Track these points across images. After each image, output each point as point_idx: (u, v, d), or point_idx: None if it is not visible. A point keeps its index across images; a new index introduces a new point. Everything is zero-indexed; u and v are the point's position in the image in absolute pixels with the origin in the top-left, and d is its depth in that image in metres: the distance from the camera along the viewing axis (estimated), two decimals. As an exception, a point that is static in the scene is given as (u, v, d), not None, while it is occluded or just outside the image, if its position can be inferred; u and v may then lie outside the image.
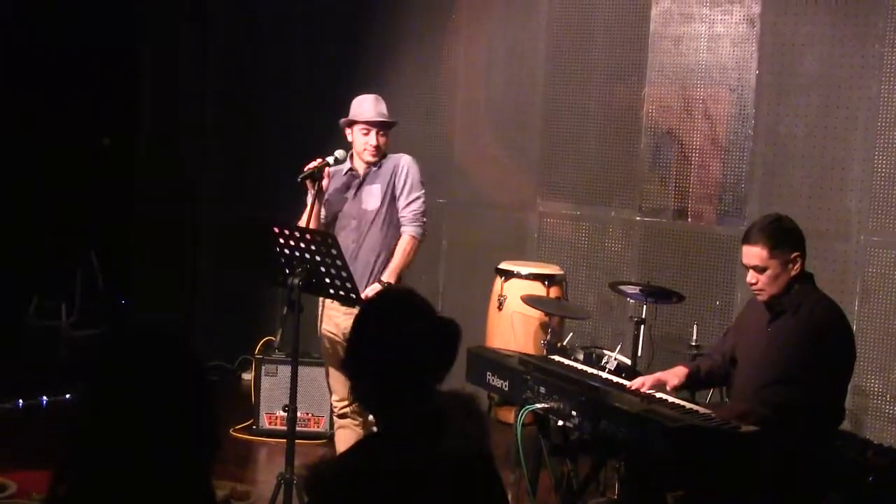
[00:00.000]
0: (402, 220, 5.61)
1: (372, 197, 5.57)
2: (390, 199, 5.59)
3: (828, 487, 4.64)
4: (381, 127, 5.56)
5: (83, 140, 9.18)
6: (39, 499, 5.23)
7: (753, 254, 4.51)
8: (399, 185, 5.60)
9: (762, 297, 4.57)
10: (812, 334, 4.43)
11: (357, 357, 2.80)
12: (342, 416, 5.63)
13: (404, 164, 5.63)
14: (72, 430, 2.10)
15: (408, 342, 2.75)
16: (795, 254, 4.50)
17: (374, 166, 5.59)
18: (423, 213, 5.66)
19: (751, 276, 4.55)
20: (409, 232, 5.60)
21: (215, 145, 8.92)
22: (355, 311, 5.12)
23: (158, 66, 8.76)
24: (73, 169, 9.10)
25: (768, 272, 4.49)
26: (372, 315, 2.87)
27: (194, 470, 2.13)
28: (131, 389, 2.08)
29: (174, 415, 2.09)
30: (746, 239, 4.57)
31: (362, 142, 5.56)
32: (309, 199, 5.39)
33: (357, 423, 5.56)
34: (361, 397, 2.82)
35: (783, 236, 4.51)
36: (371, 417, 5.53)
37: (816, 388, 4.41)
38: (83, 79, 8.91)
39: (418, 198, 5.63)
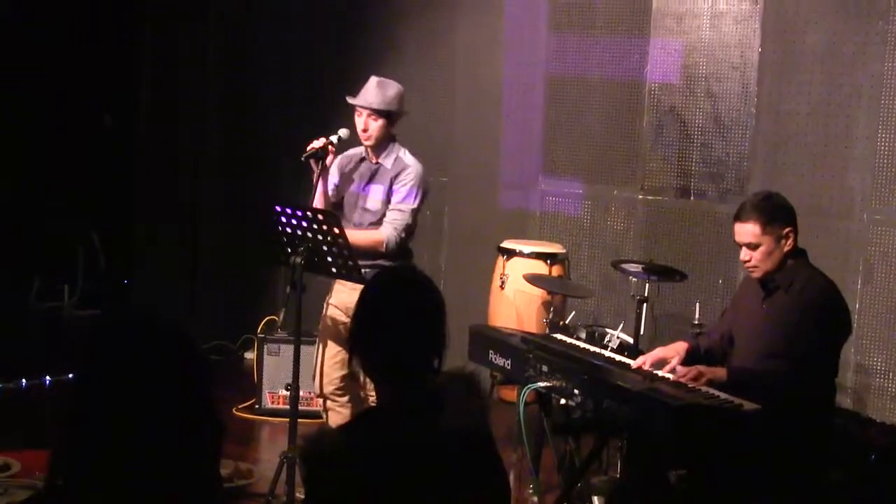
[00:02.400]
0: (384, 219, 5.41)
1: (375, 197, 5.46)
2: (389, 201, 5.44)
3: (830, 465, 4.65)
4: (374, 112, 5.41)
5: (85, 119, 9.17)
6: (42, 478, 5.24)
7: (746, 231, 4.52)
8: (395, 188, 5.42)
9: (756, 274, 4.59)
10: (806, 310, 4.44)
11: (360, 331, 2.81)
12: (324, 397, 5.57)
13: (411, 171, 5.45)
14: (68, 420, 2.10)
15: (410, 319, 2.76)
16: (788, 229, 4.51)
17: (377, 154, 5.48)
18: (405, 229, 5.42)
19: (744, 254, 4.57)
20: (385, 232, 5.36)
21: (217, 124, 8.91)
22: (361, 288, 5.15)
23: (159, 45, 8.74)
24: (74, 148, 9.10)
25: (762, 248, 4.50)
26: (377, 291, 2.87)
27: (197, 456, 2.13)
28: (128, 378, 2.07)
29: (172, 402, 2.09)
30: (738, 216, 4.58)
31: (357, 124, 5.51)
32: (315, 179, 5.36)
33: (339, 403, 5.53)
34: (364, 369, 2.84)
35: (775, 212, 4.52)
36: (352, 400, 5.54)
37: (812, 364, 4.43)
38: (84, 58, 8.89)
39: (405, 210, 5.41)
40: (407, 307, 2.78)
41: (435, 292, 2.85)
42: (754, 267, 4.55)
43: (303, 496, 4.76)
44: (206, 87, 8.86)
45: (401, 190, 5.43)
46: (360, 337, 2.81)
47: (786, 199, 4.63)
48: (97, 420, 2.06)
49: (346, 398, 5.54)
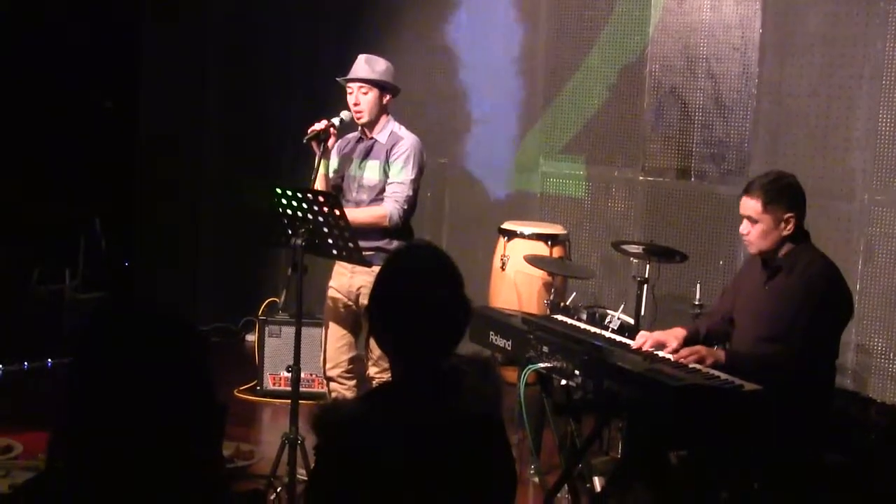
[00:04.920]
0: (384, 194, 5.42)
1: (371, 173, 5.46)
2: (386, 176, 5.44)
3: (830, 445, 4.66)
4: (368, 84, 5.42)
5: (85, 104, 9.16)
6: (44, 460, 5.26)
7: (749, 205, 4.55)
8: (391, 161, 5.42)
9: (751, 250, 4.64)
10: (807, 293, 4.45)
11: (377, 308, 2.78)
12: (330, 380, 5.61)
13: (405, 143, 5.45)
14: (67, 403, 2.10)
15: (427, 300, 2.72)
16: (789, 214, 4.50)
17: (371, 130, 5.49)
18: (407, 201, 5.41)
19: (744, 227, 4.60)
20: (387, 207, 5.37)
21: (218, 108, 8.90)
22: (362, 270, 5.18)
23: (160, 30, 8.72)
24: (75, 133, 9.09)
25: (760, 226, 4.52)
26: (396, 268, 2.83)
27: (198, 438, 2.14)
28: (126, 361, 2.08)
29: (171, 385, 2.09)
30: (746, 189, 4.62)
31: (349, 102, 5.51)
32: (316, 162, 5.36)
33: (346, 387, 5.55)
34: (381, 344, 2.81)
35: (780, 194, 4.53)
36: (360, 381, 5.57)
37: (813, 346, 4.44)
38: (85, 42, 8.87)
39: (404, 182, 5.40)
40: (425, 288, 2.73)
41: (454, 275, 2.80)
42: (749, 242, 4.60)
43: (306, 475, 4.78)
44: (206, 70, 8.85)
45: (397, 163, 5.43)
46: (376, 314, 2.78)
47: (796, 183, 4.59)
48: (96, 404, 2.07)
49: (353, 381, 5.56)
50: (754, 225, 4.53)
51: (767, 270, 4.62)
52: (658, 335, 4.78)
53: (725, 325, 4.82)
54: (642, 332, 4.84)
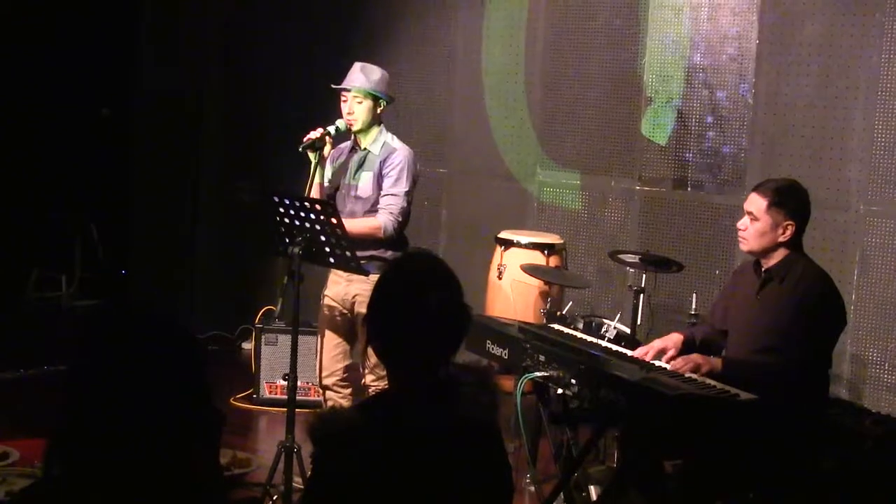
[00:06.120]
0: (378, 206, 5.42)
1: (365, 184, 5.46)
2: (379, 188, 5.45)
3: (825, 455, 4.66)
4: (359, 94, 5.44)
5: (82, 111, 9.17)
6: (41, 467, 5.26)
7: (753, 200, 4.60)
8: (385, 173, 5.43)
9: (743, 247, 4.69)
10: (800, 303, 4.47)
11: (376, 318, 2.78)
12: (325, 388, 5.62)
13: (398, 155, 5.45)
14: (64, 409, 2.11)
15: (428, 310, 2.71)
16: (789, 222, 4.54)
17: (364, 140, 5.49)
18: (401, 213, 5.42)
19: (742, 222, 4.65)
20: (381, 219, 5.37)
21: (215, 116, 8.91)
22: (358, 278, 5.19)
23: (158, 37, 8.74)
24: (72, 140, 9.10)
25: (758, 225, 4.56)
26: (396, 278, 2.83)
27: (195, 445, 2.14)
28: (122, 367, 2.08)
29: (167, 391, 2.10)
30: (757, 186, 4.69)
31: (342, 109, 5.52)
32: (312, 170, 5.38)
33: (341, 395, 5.56)
34: (379, 353, 2.81)
35: (787, 199, 4.57)
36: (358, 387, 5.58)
37: (807, 356, 4.46)
38: (82, 49, 8.89)
39: (398, 194, 5.41)
40: (423, 296, 2.72)
41: (453, 282, 2.78)
42: (743, 239, 4.65)
43: (302, 484, 4.78)
44: (204, 78, 8.86)
45: (391, 174, 5.44)
46: (376, 324, 2.78)
47: (807, 198, 4.66)
48: (92, 410, 2.07)
49: (349, 389, 5.58)
50: (753, 222, 4.58)
51: (759, 279, 4.64)
52: (657, 343, 4.81)
53: (717, 335, 4.84)
54: (641, 348, 4.85)
